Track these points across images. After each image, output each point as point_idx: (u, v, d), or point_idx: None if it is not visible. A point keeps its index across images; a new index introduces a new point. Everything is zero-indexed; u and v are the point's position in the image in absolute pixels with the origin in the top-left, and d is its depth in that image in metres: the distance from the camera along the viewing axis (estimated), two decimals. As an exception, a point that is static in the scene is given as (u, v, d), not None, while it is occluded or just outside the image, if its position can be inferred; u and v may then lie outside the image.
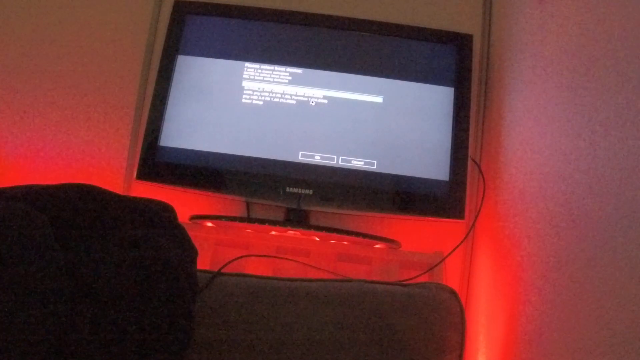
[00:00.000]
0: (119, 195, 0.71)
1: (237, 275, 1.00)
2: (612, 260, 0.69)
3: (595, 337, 0.70)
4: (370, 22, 1.34)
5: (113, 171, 1.34)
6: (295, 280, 1.01)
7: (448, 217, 1.23)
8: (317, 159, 1.25)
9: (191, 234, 0.85)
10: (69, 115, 1.36)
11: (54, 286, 0.53)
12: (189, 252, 0.78)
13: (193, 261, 0.78)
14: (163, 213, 0.75)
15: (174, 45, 1.31)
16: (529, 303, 0.92)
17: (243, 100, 1.28)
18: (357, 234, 1.20)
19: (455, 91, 1.29)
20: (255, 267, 1.17)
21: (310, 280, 1.02)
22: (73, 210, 0.61)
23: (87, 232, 0.60)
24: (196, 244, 0.85)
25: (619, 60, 0.74)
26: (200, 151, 1.25)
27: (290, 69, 1.30)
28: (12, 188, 0.66)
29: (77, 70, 1.38)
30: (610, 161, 0.73)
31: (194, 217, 1.24)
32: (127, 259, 0.61)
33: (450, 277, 1.28)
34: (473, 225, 1.27)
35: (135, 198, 0.73)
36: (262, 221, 1.19)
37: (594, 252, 0.74)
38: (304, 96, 1.29)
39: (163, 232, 0.70)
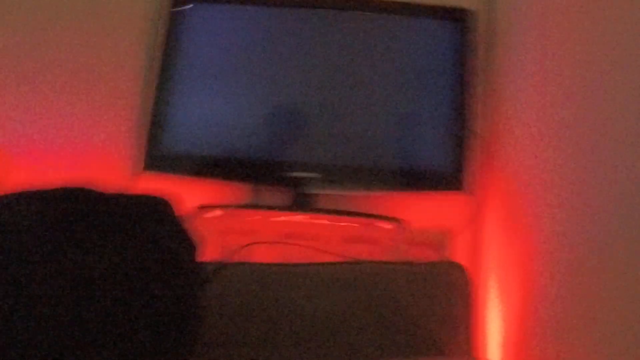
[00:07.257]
0: (114, 194, 0.70)
1: (245, 264, 1.00)
2: (628, 231, 0.68)
3: (615, 310, 0.70)
4: (367, 0, 1.32)
5: (119, 163, 1.34)
6: (304, 265, 1.01)
7: (454, 189, 1.22)
8: (322, 140, 1.25)
9: (198, 223, 0.85)
10: (73, 108, 1.36)
11: (53, 287, 0.53)
12: (188, 246, 0.77)
13: (193, 255, 0.78)
14: (159, 208, 0.74)
15: (177, 33, 1.30)
16: (542, 277, 0.92)
17: (247, 86, 1.27)
18: (365, 215, 1.20)
19: (458, 65, 1.28)
20: (264, 254, 1.18)
21: (319, 264, 1.02)
22: (71, 211, 0.61)
23: (85, 232, 0.60)
24: (203, 234, 0.85)
25: (631, 36, 0.73)
26: (206, 139, 1.25)
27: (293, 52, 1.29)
28: (8, 195, 0.66)
29: (80, 62, 1.37)
30: (618, 132, 0.72)
31: (201, 207, 1.25)
32: (126, 258, 0.61)
33: (459, 254, 1.27)
34: (481, 202, 1.26)
35: (130, 194, 0.72)
36: (269, 207, 1.19)
37: (607, 223, 0.73)
38: (308, 78, 1.27)
39: (161, 228, 0.70)
